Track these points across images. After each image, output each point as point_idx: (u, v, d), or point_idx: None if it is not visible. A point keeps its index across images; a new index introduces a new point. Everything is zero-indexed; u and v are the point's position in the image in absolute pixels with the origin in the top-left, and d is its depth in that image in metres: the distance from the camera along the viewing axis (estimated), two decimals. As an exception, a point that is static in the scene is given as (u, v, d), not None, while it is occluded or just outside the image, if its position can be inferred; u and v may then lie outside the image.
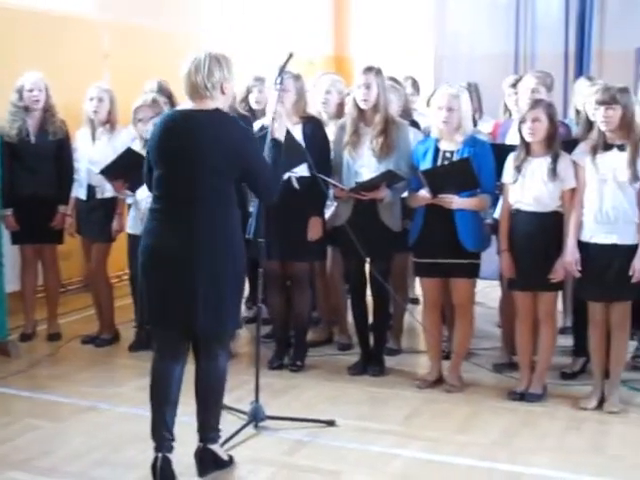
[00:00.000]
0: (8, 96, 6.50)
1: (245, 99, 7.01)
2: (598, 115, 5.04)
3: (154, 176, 4.14)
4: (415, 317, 6.22)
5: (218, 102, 4.11)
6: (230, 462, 4.39)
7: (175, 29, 9.02)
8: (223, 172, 4.04)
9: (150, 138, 4.23)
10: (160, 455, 4.12)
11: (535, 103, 5.28)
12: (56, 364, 6.20)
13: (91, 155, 6.38)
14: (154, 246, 4.09)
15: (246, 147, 4.09)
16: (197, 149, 4.01)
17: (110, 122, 6.42)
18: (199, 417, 4.29)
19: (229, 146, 4.02)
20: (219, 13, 10.00)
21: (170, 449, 4.16)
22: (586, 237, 5.13)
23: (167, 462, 4.12)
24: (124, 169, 5.83)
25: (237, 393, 5.36)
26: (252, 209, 4.68)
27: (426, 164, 5.42)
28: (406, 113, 6.45)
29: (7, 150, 6.39)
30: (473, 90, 7.06)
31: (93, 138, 6.43)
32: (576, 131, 5.82)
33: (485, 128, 6.60)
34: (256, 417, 4.88)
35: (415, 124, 6.40)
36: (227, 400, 5.08)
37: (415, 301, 7.38)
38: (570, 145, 5.31)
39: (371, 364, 5.89)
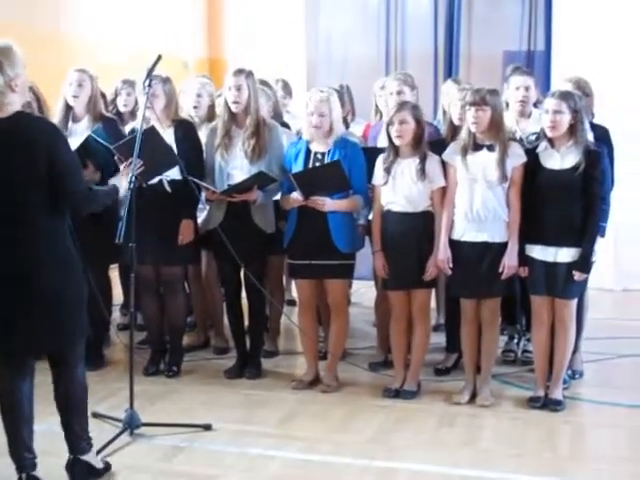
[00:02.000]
0: None
1: (113, 102, 6.90)
2: (468, 116, 5.16)
3: None
4: (291, 319, 6.24)
5: (14, 103, 3.79)
6: (106, 469, 4.29)
7: (43, 30, 8.80)
8: (37, 181, 3.77)
9: None
10: (24, 475, 3.99)
11: (401, 106, 5.36)
12: None
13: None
14: None
15: (54, 149, 3.80)
16: (1, 164, 3.76)
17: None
18: (64, 429, 4.16)
19: (35, 152, 3.74)
20: (89, 13, 9.79)
21: (33, 467, 4.03)
22: (457, 235, 5.24)
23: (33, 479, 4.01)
24: None
25: (112, 400, 5.30)
26: (122, 213, 4.59)
27: (298, 166, 5.44)
28: (277, 115, 6.47)
29: None
30: (345, 92, 7.14)
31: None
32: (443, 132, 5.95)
33: (357, 130, 6.67)
34: (131, 424, 4.80)
35: (285, 126, 6.42)
36: (101, 408, 5.06)
37: (292, 303, 7.40)
38: (437, 145, 5.41)
39: (248, 367, 5.88)
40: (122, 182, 4.42)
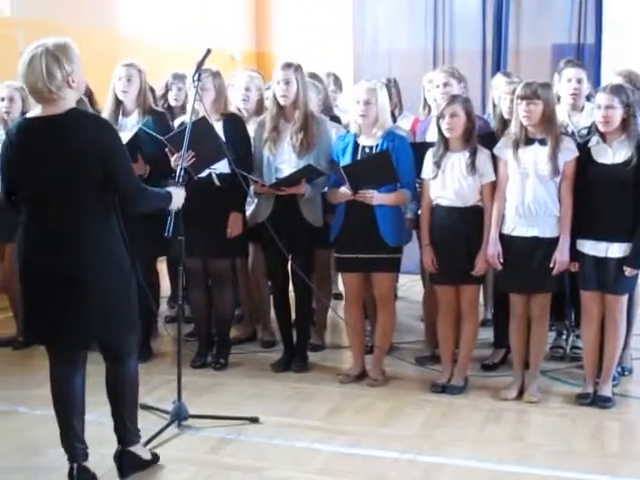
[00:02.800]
0: None
1: (164, 96, 6.94)
2: (520, 110, 5.10)
3: (19, 191, 3.88)
4: (337, 313, 6.23)
5: (70, 99, 3.81)
6: (154, 461, 4.34)
7: (93, 26, 8.89)
8: (89, 179, 3.79)
9: (4, 151, 3.91)
10: (75, 465, 4.04)
11: (452, 99, 5.32)
12: (-29, 368, 6.07)
13: (5, 155, 6.19)
14: (28, 261, 3.88)
15: (107, 148, 3.81)
16: (52, 163, 3.75)
17: (24, 120, 6.25)
18: (114, 420, 4.22)
19: (89, 149, 3.76)
20: (138, 9, 9.88)
21: (85, 457, 4.08)
22: (508, 230, 5.20)
23: (84, 470, 4.05)
24: None
25: (160, 392, 5.34)
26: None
27: (346, 159, 5.43)
28: (327, 109, 6.46)
29: None
30: (393, 86, 7.10)
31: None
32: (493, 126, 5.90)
33: (405, 124, 6.63)
34: (179, 416, 4.83)
35: (336, 120, 6.41)
36: (149, 400, 5.10)
37: (338, 296, 7.39)
38: (487, 139, 5.37)
39: (294, 360, 5.89)
40: (180, 196, 4.32)
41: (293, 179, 5.48)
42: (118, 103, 5.94)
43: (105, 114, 5.77)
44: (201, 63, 4.91)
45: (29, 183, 3.85)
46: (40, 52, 3.73)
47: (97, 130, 3.84)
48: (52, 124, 3.79)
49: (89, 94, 6.39)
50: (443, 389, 5.41)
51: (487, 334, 6.19)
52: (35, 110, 3.90)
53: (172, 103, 6.95)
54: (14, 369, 5.99)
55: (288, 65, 5.56)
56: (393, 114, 6.52)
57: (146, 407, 4.99)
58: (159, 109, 6.31)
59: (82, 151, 3.77)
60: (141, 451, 4.27)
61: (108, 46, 8.75)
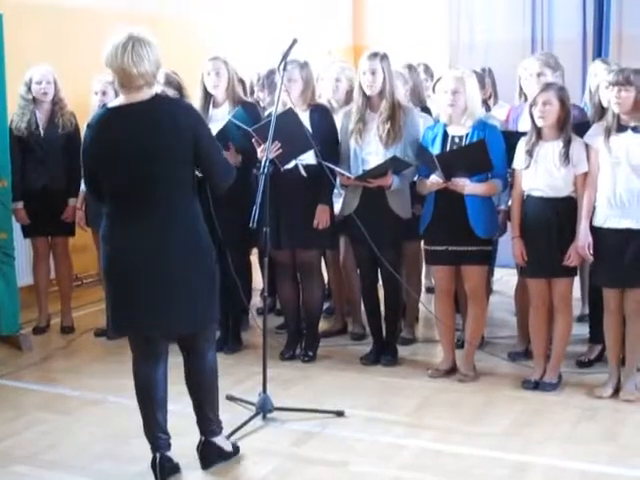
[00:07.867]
0: (17, 89, 6.45)
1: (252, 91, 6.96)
2: (611, 96, 4.94)
3: (105, 181, 3.90)
4: (427, 306, 6.14)
5: (155, 88, 3.89)
6: (235, 452, 4.33)
7: (185, 18, 8.95)
8: (175, 164, 3.82)
9: (88, 143, 3.93)
10: (158, 455, 4.07)
11: (546, 86, 5.18)
12: (68, 357, 6.19)
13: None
14: (115, 253, 3.90)
15: (197, 130, 3.86)
16: (143, 146, 3.78)
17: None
18: (196, 412, 4.22)
19: (178, 133, 3.79)
20: (234, 1, 9.91)
21: (167, 447, 4.11)
22: (600, 222, 5.03)
23: (167, 460, 4.08)
24: None
25: (247, 384, 5.34)
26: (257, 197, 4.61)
27: (435, 150, 5.32)
28: (418, 100, 6.36)
29: (17, 143, 6.37)
30: (487, 75, 6.96)
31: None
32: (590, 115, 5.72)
33: (500, 114, 6.49)
34: (264, 408, 4.82)
35: (426, 110, 6.30)
36: (236, 391, 5.13)
37: (431, 290, 7.29)
38: (582, 128, 5.20)
39: (384, 354, 5.82)
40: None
41: (379, 171, 5.40)
42: (208, 95, 5.96)
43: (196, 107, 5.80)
44: (287, 53, 4.89)
45: (119, 169, 3.83)
46: (140, 38, 3.77)
47: (185, 113, 3.89)
48: (141, 109, 3.82)
49: (179, 87, 6.38)
50: (535, 386, 5.27)
51: (584, 330, 6.00)
52: (117, 100, 3.94)
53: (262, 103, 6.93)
54: (107, 358, 6.07)
55: (374, 55, 5.48)
56: (487, 104, 6.38)
57: (232, 398, 5.01)
58: (249, 100, 6.31)
59: (174, 133, 3.79)
60: (223, 442, 4.27)
61: (199, 38, 8.83)
